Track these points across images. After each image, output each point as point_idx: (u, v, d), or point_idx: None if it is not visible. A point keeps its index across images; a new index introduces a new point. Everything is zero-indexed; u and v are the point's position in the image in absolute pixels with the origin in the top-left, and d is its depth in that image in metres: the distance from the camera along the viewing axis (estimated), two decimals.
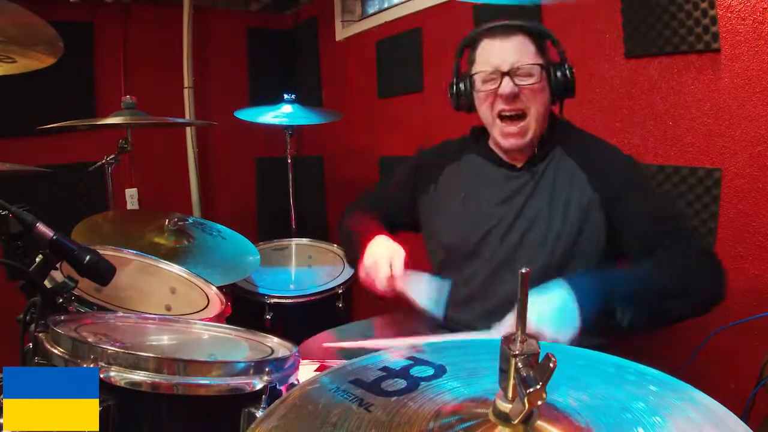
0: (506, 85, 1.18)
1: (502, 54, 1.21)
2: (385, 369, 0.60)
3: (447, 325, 1.37)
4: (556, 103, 1.29)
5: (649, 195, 1.23)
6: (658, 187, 1.56)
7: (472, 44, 1.29)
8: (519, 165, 1.30)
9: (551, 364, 0.44)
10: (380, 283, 1.18)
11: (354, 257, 1.31)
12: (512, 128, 1.22)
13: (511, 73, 1.18)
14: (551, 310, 0.96)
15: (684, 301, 1.05)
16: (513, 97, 1.19)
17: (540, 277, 1.17)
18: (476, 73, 1.24)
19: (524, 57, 1.20)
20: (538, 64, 1.19)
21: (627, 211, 1.18)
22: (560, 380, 0.53)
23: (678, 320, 1.08)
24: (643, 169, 1.28)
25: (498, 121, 1.24)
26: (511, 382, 0.47)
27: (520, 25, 1.21)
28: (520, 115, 1.21)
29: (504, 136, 1.24)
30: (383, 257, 1.20)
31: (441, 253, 1.37)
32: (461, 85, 1.29)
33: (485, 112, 1.26)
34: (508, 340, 0.48)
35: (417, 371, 0.60)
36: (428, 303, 1.17)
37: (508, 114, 1.22)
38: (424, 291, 1.18)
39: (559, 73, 1.22)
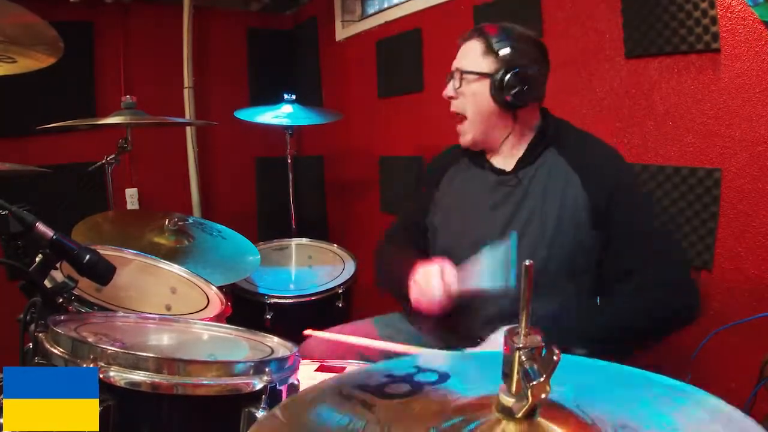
0: (448, 88, 1.30)
1: (458, 58, 1.31)
2: (389, 376, 0.60)
3: (449, 328, 1.37)
4: (512, 109, 1.25)
5: (636, 215, 1.22)
6: (657, 188, 1.56)
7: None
8: (509, 169, 1.30)
9: (555, 357, 0.44)
10: (436, 292, 1.16)
11: (401, 292, 1.29)
12: (458, 127, 1.33)
13: (454, 76, 1.29)
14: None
15: (637, 343, 1.17)
16: (451, 99, 1.31)
17: (537, 280, 1.18)
18: None
19: (467, 61, 1.28)
20: (469, 71, 1.26)
21: (611, 227, 1.19)
22: (567, 385, 0.53)
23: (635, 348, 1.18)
24: (637, 177, 1.28)
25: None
26: (515, 376, 0.47)
27: (475, 28, 1.29)
28: (462, 116, 1.31)
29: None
30: (431, 271, 1.19)
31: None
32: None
33: None
34: (511, 333, 0.48)
35: (421, 377, 0.60)
36: (496, 280, 1.08)
37: (453, 112, 1.32)
38: (487, 272, 1.11)
39: (499, 76, 1.21)
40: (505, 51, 1.23)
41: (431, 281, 1.18)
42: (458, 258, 1.30)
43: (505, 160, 1.31)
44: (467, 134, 1.30)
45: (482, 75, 1.24)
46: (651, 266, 1.17)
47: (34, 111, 2.38)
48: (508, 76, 1.21)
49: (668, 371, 0.59)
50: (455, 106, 1.30)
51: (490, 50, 1.24)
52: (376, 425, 0.49)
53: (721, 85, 1.43)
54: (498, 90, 1.22)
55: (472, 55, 1.26)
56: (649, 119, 1.62)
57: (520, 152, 1.29)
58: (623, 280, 1.19)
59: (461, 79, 1.28)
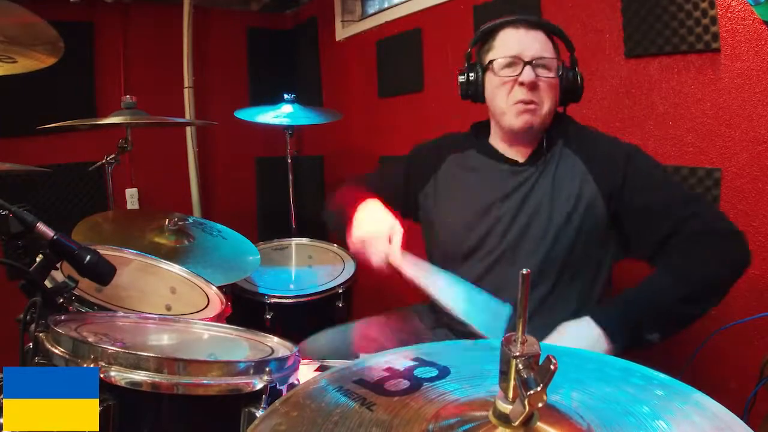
0: (528, 74, 1.19)
1: (525, 43, 1.22)
2: (389, 369, 0.60)
3: (448, 324, 1.36)
4: (561, 105, 1.31)
5: (652, 185, 1.19)
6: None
7: (490, 33, 1.28)
8: (521, 160, 1.30)
9: (552, 366, 0.44)
10: (377, 257, 1.17)
11: (342, 224, 1.28)
12: (528, 107, 1.22)
13: (532, 63, 1.20)
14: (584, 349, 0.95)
15: (707, 300, 1.08)
16: (532, 86, 1.20)
17: (540, 270, 1.18)
18: (495, 59, 1.24)
19: (545, 50, 1.23)
20: (556, 59, 1.23)
21: (630, 207, 1.18)
22: (564, 382, 0.53)
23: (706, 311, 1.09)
24: (644, 154, 1.26)
25: (512, 105, 1.23)
26: (512, 383, 0.47)
27: (541, 22, 1.25)
28: (534, 103, 1.22)
29: (518, 114, 1.22)
30: (381, 231, 1.17)
31: (441, 247, 1.36)
32: (472, 74, 1.29)
33: (501, 98, 1.25)
34: (508, 341, 0.47)
35: (421, 372, 0.60)
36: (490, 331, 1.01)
37: (527, 99, 1.21)
38: (451, 293, 1.09)
39: (570, 75, 1.25)
40: (566, 45, 1.27)
41: (376, 241, 1.16)
42: (466, 247, 1.29)
43: (518, 151, 1.31)
44: (539, 116, 1.23)
45: (558, 64, 1.23)
46: (689, 220, 1.12)
47: (34, 111, 2.38)
48: (576, 75, 1.25)
49: (667, 371, 0.59)
50: (534, 94, 1.21)
51: (557, 48, 1.25)
52: (375, 424, 0.49)
53: (721, 85, 1.43)
54: (569, 83, 1.25)
55: (547, 47, 1.23)
56: (649, 119, 1.62)
57: (534, 144, 1.29)
58: (665, 248, 1.13)
59: (541, 68, 1.21)
